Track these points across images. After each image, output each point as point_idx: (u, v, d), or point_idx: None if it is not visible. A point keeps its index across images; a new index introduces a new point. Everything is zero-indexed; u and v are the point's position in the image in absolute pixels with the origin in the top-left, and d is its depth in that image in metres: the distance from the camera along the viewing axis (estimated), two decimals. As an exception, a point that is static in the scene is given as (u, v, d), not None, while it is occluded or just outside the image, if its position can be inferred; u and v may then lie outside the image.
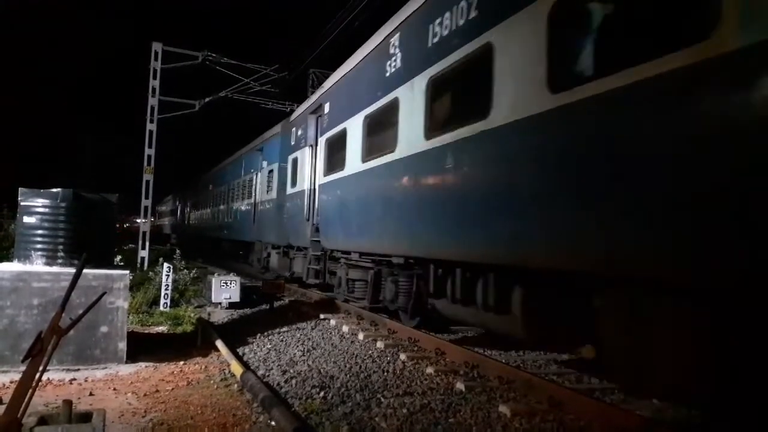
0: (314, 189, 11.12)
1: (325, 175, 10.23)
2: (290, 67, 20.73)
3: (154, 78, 17.47)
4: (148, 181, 17.27)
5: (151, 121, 17.28)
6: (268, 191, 15.48)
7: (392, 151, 7.22)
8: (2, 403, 4.05)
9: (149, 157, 17.26)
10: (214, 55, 19.57)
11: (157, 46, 17.61)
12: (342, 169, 9.18)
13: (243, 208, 19.06)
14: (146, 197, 17.31)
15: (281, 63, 21.01)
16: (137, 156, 17.52)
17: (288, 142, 13.36)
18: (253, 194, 17.25)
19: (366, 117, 8.31)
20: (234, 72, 20.44)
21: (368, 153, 8.16)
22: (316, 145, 11.29)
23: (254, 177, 17.34)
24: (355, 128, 8.73)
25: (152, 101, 17.34)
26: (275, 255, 14.64)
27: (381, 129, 7.86)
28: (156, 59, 17.57)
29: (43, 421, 3.12)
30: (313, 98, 11.97)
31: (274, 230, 14.28)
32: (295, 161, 12.57)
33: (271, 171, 15.19)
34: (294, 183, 12.46)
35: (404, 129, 6.99)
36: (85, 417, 3.18)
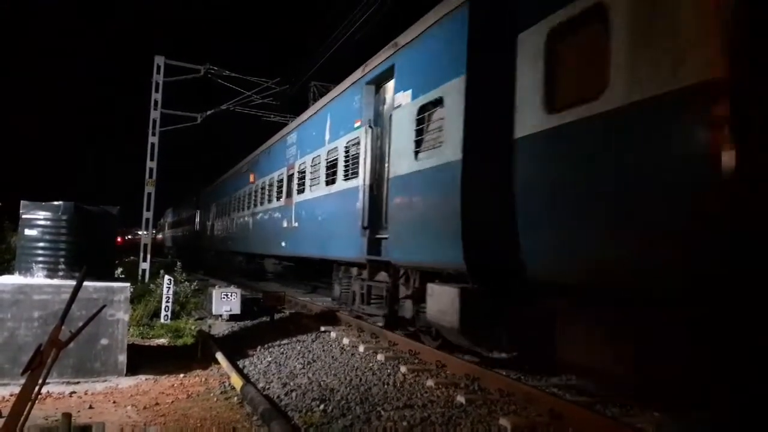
0: None
1: None
2: (291, 80, 20.92)
3: (156, 91, 17.60)
4: (149, 194, 17.34)
5: (153, 134, 17.38)
6: (418, 154, 6.95)
7: None
8: (2, 416, 4.04)
9: (151, 169, 17.34)
10: (215, 68, 19.75)
11: (159, 60, 17.77)
12: None
13: (329, 201, 10.38)
14: (147, 209, 17.36)
15: (282, 76, 21.20)
16: (140, 168, 17.60)
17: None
18: (362, 171, 8.77)
19: None
20: (236, 85, 20.62)
21: None
22: None
23: (363, 138, 8.83)
24: None
25: (154, 114, 17.46)
26: (444, 295, 6.05)
27: None
28: (158, 72, 17.72)
29: (42, 434, 3.12)
30: None
31: (445, 236, 6.14)
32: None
33: (427, 107, 6.83)
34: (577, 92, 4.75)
35: None
36: (85, 430, 3.18)
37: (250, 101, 21.48)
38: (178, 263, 13.39)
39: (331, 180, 10.30)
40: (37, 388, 2.82)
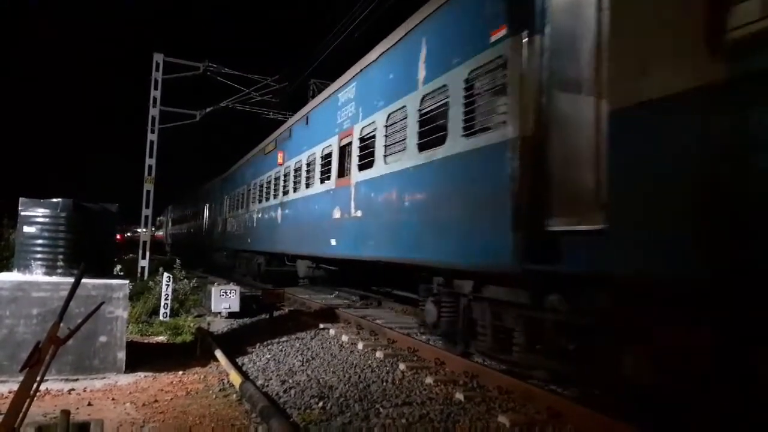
0: None
1: None
2: (291, 77, 20.89)
3: (156, 88, 17.59)
4: (148, 191, 17.33)
5: (152, 132, 17.36)
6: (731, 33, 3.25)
7: None
8: (0, 413, 4.04)
9: (150, 167, 17.33)
10: (215, 65, 19.73)
11: (158, 57, 17.75)
12: None
13: (428, 176, 6.84)
14: (147, 207, 17.36)
15: (282, 73, 21.18)
16: (140, 165, 17.55)
17: None
18: (512, 116, 5.17)
19: None
20: (235, 82, 20.61)
21: None
22: None
23: (514, 57, 5.18)
24: None
25: (153, 111, 17.44)
26: None
27: None
28: (157, 70, 17.71)
29: (40, 431, 3.12)
30: None
31: None
32: None
33: None
34: None
35: None
36: (83, 427, 3.18)
37: (249, 99, 21.48)
38: (177, 261, 13.37)
39: (430, 142, 6.80)
40: (35, 385, 2.81)
